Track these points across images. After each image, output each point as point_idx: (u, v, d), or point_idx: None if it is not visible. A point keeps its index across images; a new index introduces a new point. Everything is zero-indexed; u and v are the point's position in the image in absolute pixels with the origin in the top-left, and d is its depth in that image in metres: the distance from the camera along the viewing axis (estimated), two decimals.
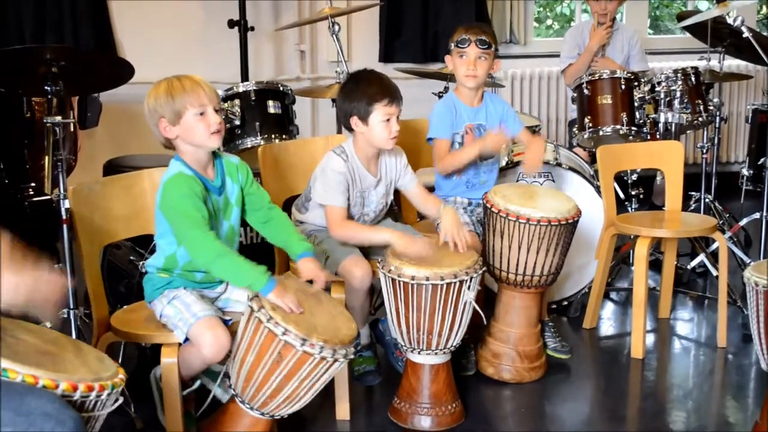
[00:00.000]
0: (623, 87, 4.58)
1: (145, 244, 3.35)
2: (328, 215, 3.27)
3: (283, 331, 2.56)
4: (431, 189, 3.84)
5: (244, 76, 5.47)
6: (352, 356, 2.68)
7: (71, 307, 3.39)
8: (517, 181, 4.05)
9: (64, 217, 3.27)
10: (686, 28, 5.20)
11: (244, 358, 2.66)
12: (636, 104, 4.59)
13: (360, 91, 3.27)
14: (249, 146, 4.06)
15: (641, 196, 4.91)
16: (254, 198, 2.97)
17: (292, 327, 2.57)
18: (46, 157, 4.21)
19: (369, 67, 3.45)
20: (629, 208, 4.86)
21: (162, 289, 2.85)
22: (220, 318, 2.78)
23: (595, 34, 5.31)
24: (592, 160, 4.74)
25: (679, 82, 4.52)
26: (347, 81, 3.44)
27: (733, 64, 5.91)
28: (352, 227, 3.29)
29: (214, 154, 2.91)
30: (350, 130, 3.34)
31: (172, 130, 2.78)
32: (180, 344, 2.76)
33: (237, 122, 4.06)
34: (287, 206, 3.54)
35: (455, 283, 2.99)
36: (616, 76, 4.62)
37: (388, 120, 3.24)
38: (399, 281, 3.02)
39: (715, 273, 4.28)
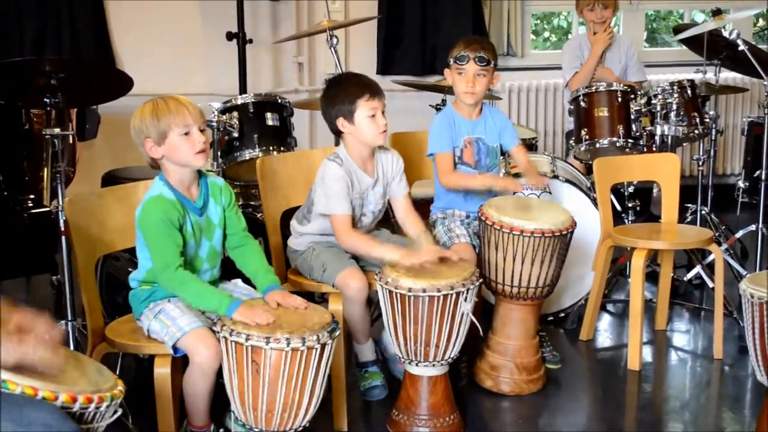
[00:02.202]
0: (620, 99, 4.59)
1: None
2: (335, 224, 3.27)
3: (246, 336, 2.59)
4: (429, 201, 3.86)
5: (243, 89, 5.49)
6: (329, 341, 2.65)
7: (69, 318, 3.41)
8: (514, 193, 4.06)
9: (62, 228, 3.28)
10: (682, 41, 5.23)
11: (231, 382, 2.68)
12: (632, 117, 4.59)
13: (341, 92, 3.30)
14: (247, 158, 4.07)
15: (638, 208, 4.93)
16: (231, 222, 2.99)
17: (254, 331, 2.60)
18: (45, 169, 4.23)
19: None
20: (626, 220, 4.87)
21: (146, 301, 2.86)
22: (210, 328, 2.77)
23: (597, 39, 5.30)
24: (588, 171, 4.76)
25: (675, 95, 4.53)
26: (327, 87, 3.45)
27: (729, 76, 5.92)
28: (361, 239, 3.28)
29: (200, 174, 2.94)
30: (339, 135, 3.36)
31: (158, 150, 2.81)
32: (173, 356, 2.76)
33: (235, 134, 4.06)
34: (285, 219, 3.55)
35: (452, 294, 3.00)
36: (612, 88, 4.63)
37: (373, 115, 3.27)
38: (396, 293, 3.02)
39: (711, 285, 4.29)
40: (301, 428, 2.73)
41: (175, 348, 2.74)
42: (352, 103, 3.26)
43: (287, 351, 2.57)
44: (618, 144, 4.58)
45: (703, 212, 4.82)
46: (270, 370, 2.60)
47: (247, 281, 3.02)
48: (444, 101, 4.69)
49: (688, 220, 4.84)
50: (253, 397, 2.64)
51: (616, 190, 4.85)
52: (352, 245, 3.28)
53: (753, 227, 4.62)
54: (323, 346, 2.64)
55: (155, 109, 2.80)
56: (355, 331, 3.38)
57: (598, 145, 4.61)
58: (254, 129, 4.11)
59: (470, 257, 3.45)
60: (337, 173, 3.27)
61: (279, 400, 2.64)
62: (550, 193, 4.06)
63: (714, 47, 4.92)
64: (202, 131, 2.82)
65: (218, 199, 2.95)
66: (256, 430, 2.70)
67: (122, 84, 3.54)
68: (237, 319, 2.66)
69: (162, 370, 2.76)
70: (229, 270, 3.06)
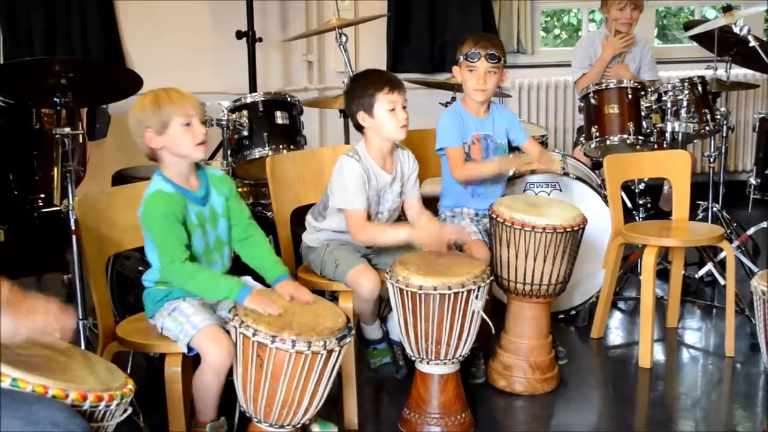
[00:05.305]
0: (630, 96, 4.57)
1: None
2: (349, 219, 3.27)
3: (254, 331, 2.59)
4: (437, 199, 3.85)
5: (252, 87, 5.49)
6: (337, 347, 2.63)
7: (81, 317, 3.42)
8: (524, 191, 4.06)
9: (73, 228, 3.29)
10: (693, 38, 5.21)
11: (236, 370, 2.69)
12: (643, 114, 4.57)
13: (361, 86, 3.32)
14: (257, 157, 4.07)
15: (648, 206, 4.91)
16: (234, 212, 2.99)
17: (263, 327, 2.59)
18: (56, 168, 4.24)
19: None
20: (636, 218, 4.85)
21: (162, 302, 2.86)
22: (222, 327, 2.77)
23: (608, 44, 5.27)
24: (594, 166, 4.74)
25: (686, 92, 4.51)
26: (349, 84, 3.50)
27: (740, 73, 5.90)
28: (373, 229, 3.28)
29: (197, 165, 2.93)
30: (361, 130, 3.36)
31: (158, 140, 2.80)
32: (183, 354, 2.77)
33: (245, 133, 4.06)
34: (295, 217, 3.55)
35: (463, 292, 2.99)
36: (623, 85, 4.61)
37: (393, 109, 3.26)
38: (407, 291, 3.02)
39: (722, 282, 4.27)
40: (299, 425, 2.74)
41: (189, 347, 2.74)
42: (371, 96, 3.26)
43: (291, 353, 2.57)
44: (628, 141, 4.56)
45: (715, 209, 4.80)
46: (273, 368, 2.60)
47: (256, 277, 3.01)
48: (453, 98, 4.68)
49: (700, 217, 4.82)
50: (254, 389, 2.65)
51: (627, 188, 4.84)
52: (368, 237, 3.28)
53: (765, 224, 4.62)
54: (330, 352, 2.62)
55: (156, 99, 2.79)
56: (364, 317, 3.41)
57: (608, 143, 4.59)
58: (264, 127, 4.11)
59: (484, 255, 3.44)
60: (354, 168, 3.26)
61: (279, 396, 2.64)
62: (560, 190, 4.06)
63: (725, 43, 4.91)
64: (202, 124, 2.82)
65: (219, 190, 2.95)
66: (255, 419, 2.71)
67: (132, 83, 3.55)
68: (248, 305, 2.69)
69: (173, 369, 2.77)
70: (236, 267, 3.05)
